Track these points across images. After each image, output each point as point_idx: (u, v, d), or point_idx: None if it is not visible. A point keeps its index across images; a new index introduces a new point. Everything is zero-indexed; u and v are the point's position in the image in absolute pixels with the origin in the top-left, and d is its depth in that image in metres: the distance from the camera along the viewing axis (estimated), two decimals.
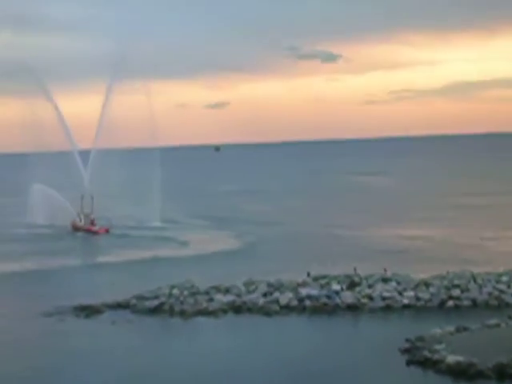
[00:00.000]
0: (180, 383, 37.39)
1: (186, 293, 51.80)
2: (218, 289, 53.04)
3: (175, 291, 51.99)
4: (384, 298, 50.39)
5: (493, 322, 42.99)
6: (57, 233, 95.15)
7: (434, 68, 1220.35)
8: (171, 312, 49.54)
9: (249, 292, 52.22)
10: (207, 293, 52.15)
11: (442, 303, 50.02)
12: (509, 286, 51.70)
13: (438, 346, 38.50)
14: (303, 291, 51.01)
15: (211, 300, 50.81)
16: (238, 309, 49.86)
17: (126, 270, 67.62)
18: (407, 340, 40.71)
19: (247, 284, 53.77)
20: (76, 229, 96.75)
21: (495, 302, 50.09)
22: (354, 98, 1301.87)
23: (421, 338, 40.45)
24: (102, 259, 75.06)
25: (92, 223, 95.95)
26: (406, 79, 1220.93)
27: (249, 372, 38.37)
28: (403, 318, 48.18)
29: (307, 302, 49.92)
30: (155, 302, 50.56)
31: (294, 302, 49.99)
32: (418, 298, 50.38)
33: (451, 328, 42.00)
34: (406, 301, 50.16)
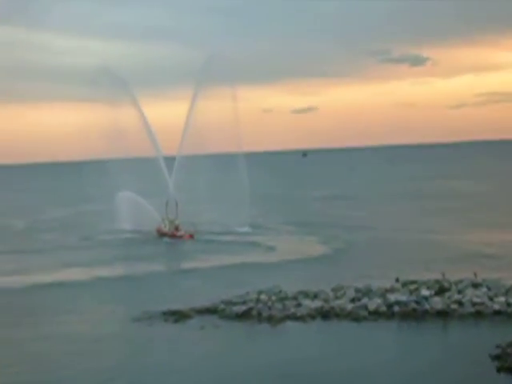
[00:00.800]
0: None
1: (273, 298, 51.85)
2: (306, 294, 52.99)
3: (263, 296, 52.08)
4: (474, 304, 49.38)
5: None
6: (143, 238, 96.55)
7: None
8: (259, 317, 49.58)
9: (337, 297, 51.99)
10: (295, 298, 52.12)
11: None
12: None
13: None
14: (392, 297, 50.53)
15: (299, 305, 50.73)
16: (326, 314, 49.64)
17: (214, 275, 67.95)
18: (498, 346, 39.93)
19: (335, 289, 53.59)
20: (161, 234, 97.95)
21: None
22: (442, 102, 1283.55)
23: None
24: (188, 265, 75.48)
25: (177, 229, 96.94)
26: (495, 82, 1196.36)
27: (337, 377, 38.22)
28: (494, 324, 47.05)
29: (396, 308, 49.40)
30: (243, 308, 50.68)
31: (383, 308, 49.56)
32: (509, 304, 49.15)
33: None
34: (496, 306, 49.01)
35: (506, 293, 50.60)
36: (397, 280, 55.14)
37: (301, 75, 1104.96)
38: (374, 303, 49.92)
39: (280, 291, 53.30)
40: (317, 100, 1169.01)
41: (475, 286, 52.12)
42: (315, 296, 52.52)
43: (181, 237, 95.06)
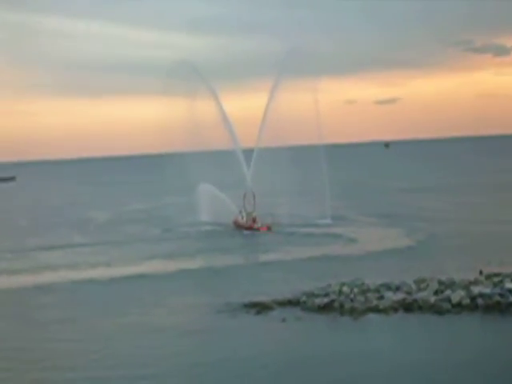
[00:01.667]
0: (351, 380, 37.39)
1: (356, 290, 51.61)
2: (388, 286, 52.59)
3: (345, 289, 51.88)
4: None
5: None
6: (222, 230, 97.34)
7: None
8: (341, 309, 49.44)
9: (419, 290, 51.46)
10: (377, 290, 51.79)
11: None
12: None
13: None
14: (475, 289, 49.75)
15: (381, 298, 50.42)
16: (408, 306, 49.20)
17: (295, 267, 67.96)
18: None
19: (418, 282, 53.04)
20: (238, 226, 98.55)
21: None
22: None
23: None
24: (269, 256, 75.51)
25: (254, 221, 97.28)
26: None
27: (420, 370, 37.90)
28: None
29: (479, 301, 48.59)
30: (325, 300, 50.59)
31: (466, 301, 48.84)
32: None
33: None
34: None
35: None
36: (480, 272, 54.43)
37: (384, 66, 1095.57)
38: (458, 296, 49.24)
39: (362, 283, 53.06)
40: (400, 91, 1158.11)
41: None
42: (397, 288, 52.10)
43: (258, 229, 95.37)
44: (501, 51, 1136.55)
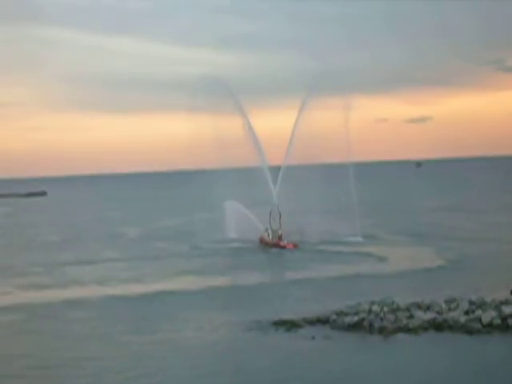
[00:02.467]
0: None
1: (386, 309, 51.35)
2: (418, 306, 52.31)
3: (375, 307, 51.63)
4: None
5: None
6: (249, 247, 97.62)
7: None
8: (371, 328, 49.22)
9: (450, 309, 51.18)
10: (408, 309, 51.50)
11: None
12: None
13: None
14: (507, 309, 49.39)
15: (411, 317, 50.15)
16: (438, 326, 48.93)
17: (325, 285, 67.90)
18: None
19: (448, 301, 52.74)
20: (264, 244, 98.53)
21: None
22: None
23: None
24: (297, 274, 75.33)
25: (280, 238, 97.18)
26: None
27: None
28: None
29: (510, 321, 48.24)
30: (355, 318, 50.41)
31: (497, 321, 48.49)
32: None
33: None
34: None
35: None
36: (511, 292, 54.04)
37: (415, 84, 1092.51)
38: (488, 316, 48.90)
39: (392, 302, 52.78)
40: (431, 109, 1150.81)
41: None
42: (428, 308, 51.84)
43: (284, 246, 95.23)
44: None
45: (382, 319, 50.03)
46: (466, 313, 50.07)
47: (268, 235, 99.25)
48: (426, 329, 48.65)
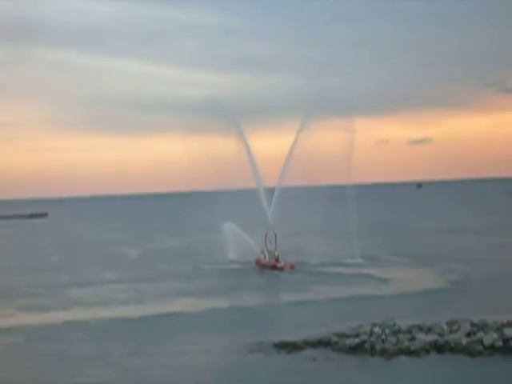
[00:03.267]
0: None
1: (387, 331, 51.24)
2: (419, 327, 52.20)
3: (376, 329, 51.51)
4: None
5: None
6: (248, 269, 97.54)
7: None
8: (372, 351, 49.03)
9: (451, 331, 51.06)
10: (409, 331, 51.37)
11: None
12: None
13: None
14: (508, 331, 49.27)
15: (413, 339, 49.98)
16: (440, 348, 48.72)
17: (325, 306, 67.80)
18: None
19: (450, 323, 52.63)
20: (261, 265, 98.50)
21: None
22: None
23: None
24: (297, 296, 75.08)
25: (277, 260, 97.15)
26: None
27: None
28: None
29: None
30: (356, 340, 50.26)
31: (499, 343, 48.31)
32: None
33: None
34: None
35: None
36: None
37: (417, 106, 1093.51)
38: (490, 338, 48.76)
39: (394, 324, 52.67)
40: (432, 131, 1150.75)
41: None
42: (429, 330, 51.73)
43: (282, 268, 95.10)
44: None
45: (383, 341, 49.90)
46: (468, 335, 49.94)
47: (264, 257, 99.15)
48: (427, 351, 48.47)
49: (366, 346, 49.69)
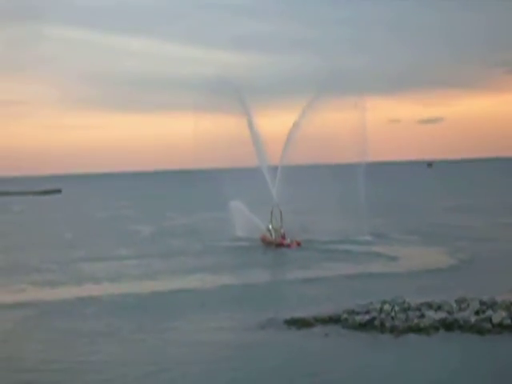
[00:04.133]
0: None
1: (397, 308, 51.63)
2: (429, 305, 52.57)
3: (386, 307, 51.89)
4: None
5: None
6: (252, 246, 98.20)
7: None
8: (382, 328, 49.51)
9: (460, 309, 51.41)
10: (418, 309, 51.77)
11: None
12: None
13: None
14: None
15: (422, 316, 50.39)
16: (449, 326, 49.14)
17: (333, 284, 68.31)
18: None
19: (459, 301, 52.94)
20: (266, 243, 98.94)
21: None
22: None
23: None
24: (307, 273, 75.49)
25: (283, 237, 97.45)
26: None
27: None
28: None
29: None
30: (366, 317, 50.71)
31: (508, 321, 48.70)
32: None
33: None
34: None
35: None
36: None
37: (428, 86, 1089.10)
38: (499, 316, 49.11)
39: (403, 302, 53.05)
40: (444, 110, 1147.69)
41: None
42: (439, 307, 52.08)
43: (288, 245, 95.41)
44: None
45: (393, 318, 50.31)
46: (477, 313, 50.27)
47: (270, 234, 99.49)
48: (436, 328, 48.89)
49: (376, 323, 50.12)
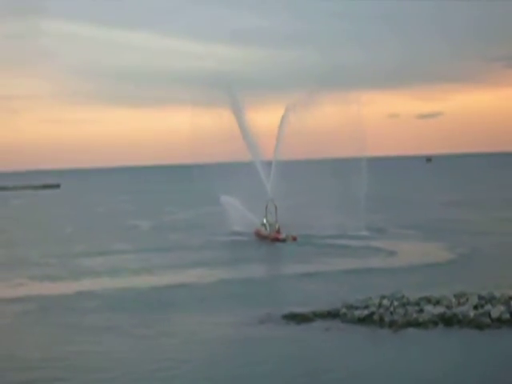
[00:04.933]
0: None
1: (395, 303, 51.73)
2: (428, 300, 52.66)
3: (385, 301, 51.97)
4: None
5: None
6: (249, 241, 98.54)
7: None
8: (381, 322, 49.61)
9: (459, 304, 51.47)
10: (417, 304, 51.87)
11: None
12: None
13: None
14: None
15: (421, 311, 50.49)
16: (448, 321, 49.21)
17: (331, 278, 68.41)
18: None
19: (458, 296, 53.03)
20: (260, 237, 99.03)
21: None
22: None
23: None
24: (302, 268, 75.47)
25: (278, 232, 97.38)
26: None
27: None
28: None
29: None
30: (365, 312, 50.80)
31: (506, 316, 48.83)
32: None
33: None
34: None
35: None
36: None
37: (427, 80, 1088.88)
38: (497, 311, 49.24)
39: (402, 296, 53.16)
40: (442, 105, 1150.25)
41: None
42: (437, 302, 52.15)
43: (284, 240, 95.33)
44: None
45: (392, 313, 50.40)
46: (476, 307, 50.37)
47: (266, 229, 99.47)
48: (435, 323, 49.00)
49: (375, 317, 50.21)
